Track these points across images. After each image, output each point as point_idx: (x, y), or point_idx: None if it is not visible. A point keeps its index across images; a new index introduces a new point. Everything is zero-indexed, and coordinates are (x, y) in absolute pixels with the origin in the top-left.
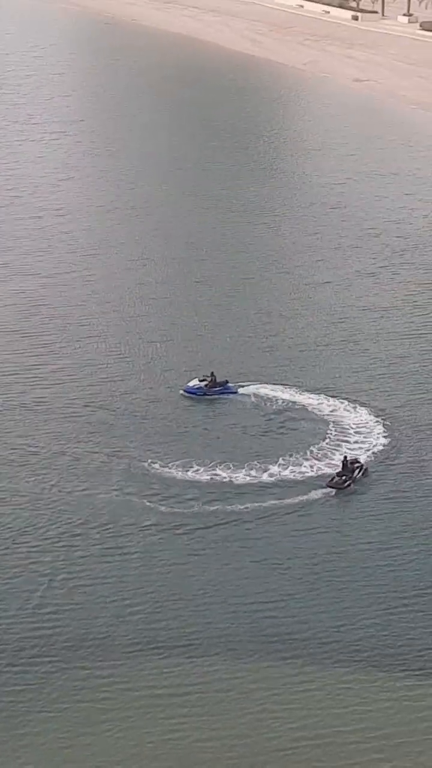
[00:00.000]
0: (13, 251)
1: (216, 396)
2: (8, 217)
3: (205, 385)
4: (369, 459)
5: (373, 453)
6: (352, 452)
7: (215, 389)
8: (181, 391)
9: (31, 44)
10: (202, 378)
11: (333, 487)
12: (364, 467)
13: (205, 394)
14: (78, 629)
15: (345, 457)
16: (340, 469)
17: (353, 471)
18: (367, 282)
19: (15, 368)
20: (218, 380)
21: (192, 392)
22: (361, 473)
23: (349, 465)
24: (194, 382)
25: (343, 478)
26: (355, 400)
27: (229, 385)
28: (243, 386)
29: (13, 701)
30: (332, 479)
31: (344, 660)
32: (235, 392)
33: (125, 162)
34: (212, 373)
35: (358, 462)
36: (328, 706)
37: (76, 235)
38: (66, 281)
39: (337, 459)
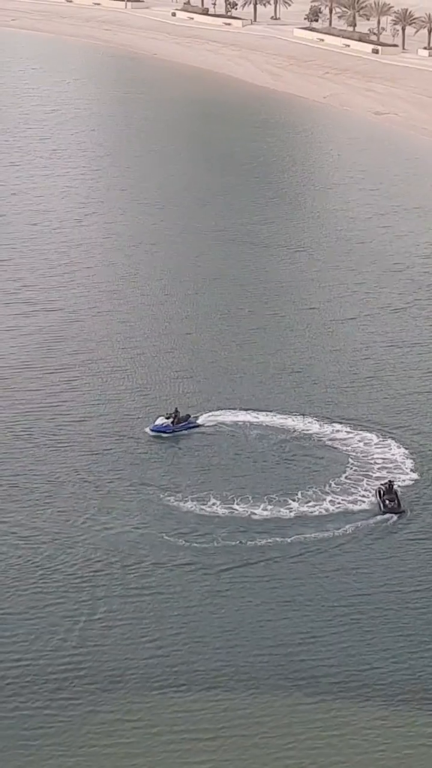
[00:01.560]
0: (37, 286)
1: (183, 432)
2: (33, 252)
3: (172, 422)
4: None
5: (400, 487)
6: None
7: (181, 425)
8: (147, 430)
9: (56, 79)
10: (167, 415)
11: (392, 512)
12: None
13: (173, 432)
14: (94, 665)
15: (390, 481)
16: (385, 494)
17: (397, 494)
18: (392, 317)
19: (34, 403)
20: (180, 415)
21: (160, 430)
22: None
23: (393, 489)
24: (160, 420)
25: (395, 502)
26: (383, 434)
27: (192, 419)
28: (258, 414)
29: (30, 735)
30: (385, 504)
31: (364, 697)
32: (198, 426)
33: (148, 196)
34: (176, 409)
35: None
36: (346, 743)
37: (100, 270)
38: (88, 317)
39: (364, 489)
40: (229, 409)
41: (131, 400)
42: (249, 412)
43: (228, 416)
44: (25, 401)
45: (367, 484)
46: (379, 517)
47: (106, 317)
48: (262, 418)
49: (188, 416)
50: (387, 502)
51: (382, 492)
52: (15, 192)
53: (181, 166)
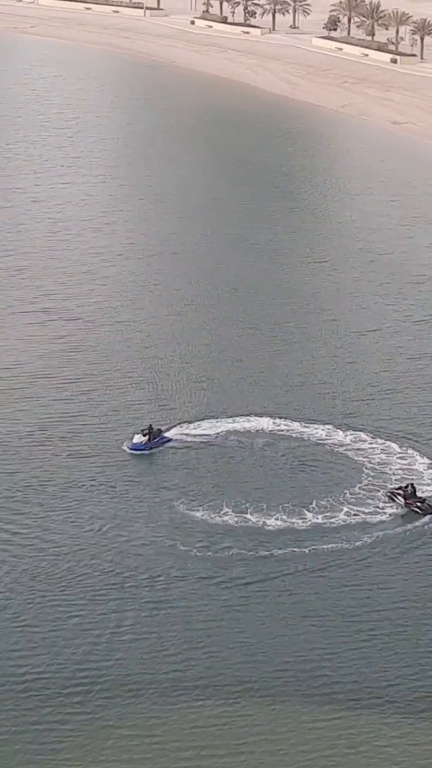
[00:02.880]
0: (56, 294)
1: (159, 448)
2: (53, 261)
3: (149, 439)
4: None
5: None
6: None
7: (156, 441)
8: (125, 448)
9: (77, 86)
10: (145, 432)
11: (424, 512)
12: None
13: (151, 448)
14: (106, 678)
15: (411, 484)
16: (411, 495)
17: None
18: (413, 329)
19: (49, 412)
20: (154, 430)
21: (139, 448)
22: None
23: (416, 492)
24: (138, 438)
25: (424, 502)
26: (404, 444)
27: (164, 435)
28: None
29: (36, 741)
30: (415, 505)
31: (381, 710)
32: (170, 440)
33: (167, 205)
34: (150, 425)
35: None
36: (337, 747)
37: (118, 278)
38: (105, 325)
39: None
40: (243, 415)
41: (142, 410)
42: (270, 420)
43: (244, 424)
44: (37, 409)
45: (384, 493)
46: (399, 528)
47: (122, 326)
48: (283, 426)
49: (160, 431)
50: (418, 502)
51: (405, 495)
52: (35, 200)
53: (201, 175)
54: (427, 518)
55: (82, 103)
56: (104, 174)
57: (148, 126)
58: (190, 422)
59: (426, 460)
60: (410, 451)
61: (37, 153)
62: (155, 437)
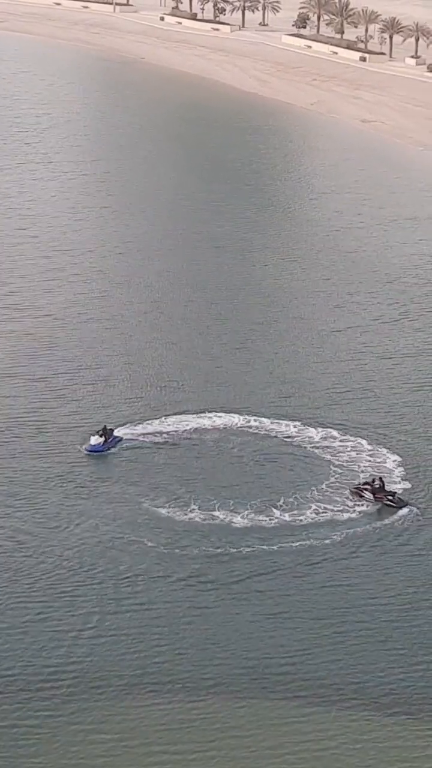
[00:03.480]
0: (24, 290)
1: (114, 449)
2: (22, 257)
3: (105, 440)
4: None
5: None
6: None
7: (111, 441)
8: (83, 449)
9: (46, 82)
10: (101, 433)
11: (396, 504)
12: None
13: (108, 449)
14: (84, 674)
15: (380, 478)
16: (379, 489)
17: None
18: (383, 328)
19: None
20: (107, 431)
21: (98, 450)
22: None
23: (385, 485)
24: (95, 439)
25: (393, 495)
26: (374, 442)
27: (116, 435)
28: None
29: (19, 736)
30: (386, 499)
31: (348, 702)
32: (121, 439)
33: (135, 202)
34: (104, 426)
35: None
36: (327, 745)
37: (88, 275)
38: (73, 323)
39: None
40: (210, 411)
41: (110, 408)
42: (237, 416)
43: (211, 421)
44: (10, 405)
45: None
46: (368, 525)
47: (89, 324)
48: (251, 423)
49: (112, 430)
50: (388, 498)
51: (372, 490)
52: (3, 195)
53: (169, 172)
54: (398, 511)
55: (52, 100)
56: (74, 171)
57: (118, 123)
58: (154, 419)
59: (396, 458)
60: (380, 449)
61: (7, 149)
62: (109, 437)
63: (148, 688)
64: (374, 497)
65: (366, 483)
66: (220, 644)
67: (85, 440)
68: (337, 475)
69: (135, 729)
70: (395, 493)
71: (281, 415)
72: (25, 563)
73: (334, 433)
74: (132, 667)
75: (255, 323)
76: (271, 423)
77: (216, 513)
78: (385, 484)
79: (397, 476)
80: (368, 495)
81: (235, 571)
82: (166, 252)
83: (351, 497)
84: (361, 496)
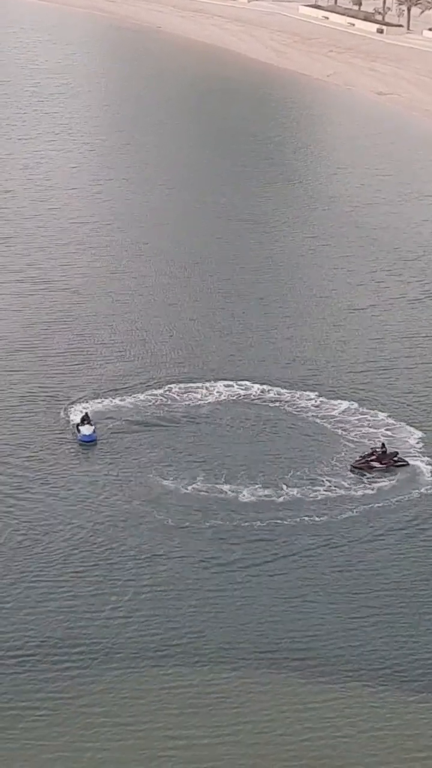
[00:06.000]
0: (42, 263)
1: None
2: (40, 229)
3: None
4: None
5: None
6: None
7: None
8: (79, 438)
9: (65, 52)
10: (87, 421)
11: (402, 463)
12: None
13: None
14: (82, 638)
15: (383, 443)
16: (384, 455)
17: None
18: (406, 307)
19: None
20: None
21: (92, 439)
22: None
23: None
24: (86, 429)
25: (396, 454)
26: (393, 419)
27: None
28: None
29: (22, 705)
30: (392, 463)
31: (353, 676)
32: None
33: (153, 173)
34: (87, 413)
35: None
36: (333, 721)
37: (106, 248)
38: (91, 296)
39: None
40: (212, 384)
41: (125, 379)
42: (252, 388)
43: (215, 393)
44: (21, 380)
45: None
46: (382, 499)
47: (107, 296)
48: (268, 396)
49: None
50: (394, 459)
51: (379, 457)
52: (22, 166)
53: (188, 143)
54: (411, 477)
55: (71, 69)
56: (91, 142)
57: (135, 93)
58: (168, 390)
59: (419, 434)
60: (401, 424)
61: (26, 118)
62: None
63: (152, 661)
64: (381, 463)
65: (371, 453)
66: (227, 618)
67: (77, 431)
68: (358, 450)
69: (139, 701)
70: (397, 452)
71: (301, 387)
72: (31, 538)
73: (353, 407)
74: (136, 640)
75: (274, 300)
76: (291, 396)
77: (225, 486)
78: (386, 446)
79: (419, 452)
80: (377, 464)
81: (247, 548)
82: (183, 225)
83: (357, 471)
84: (371, 467)
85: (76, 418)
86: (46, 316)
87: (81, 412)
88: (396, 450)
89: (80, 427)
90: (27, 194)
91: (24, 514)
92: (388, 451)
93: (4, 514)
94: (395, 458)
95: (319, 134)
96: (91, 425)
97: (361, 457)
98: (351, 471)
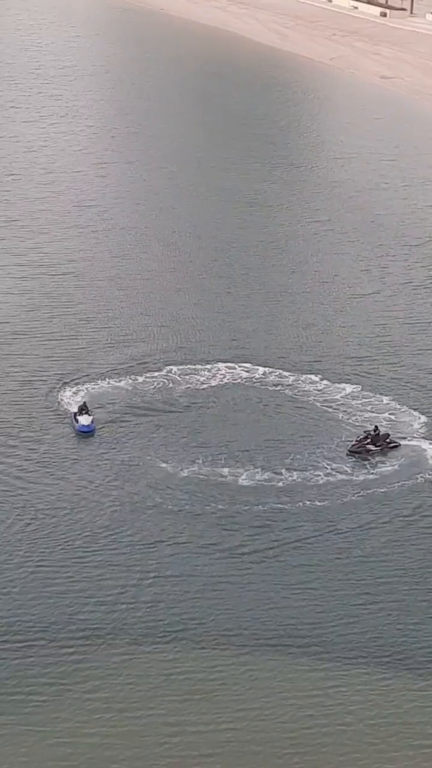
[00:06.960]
0: (47, 246)
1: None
2: (45, 212)
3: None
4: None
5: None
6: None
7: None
8: (77, 429)
9: (69, 33)
10: (86, 411)
11: (395, 444)
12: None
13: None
14: (85, 620)
15: (376, 426)
16: (377, 437)
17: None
18: (411, 292)
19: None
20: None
21: (91, 429)
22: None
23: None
24: (84, 419)
25: (388, 436)
26: (397, 403)
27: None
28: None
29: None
30: (386, 445)
31: (355, 662)
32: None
33: (157, 158)
34: (85, 402)
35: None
36: (335, 707)
37: (111, 231)
38: (95, 279)
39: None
40: (214, 366)
41: (138, 358)
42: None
43: (219, 376)
44: (22, 364)
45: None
46: (383, 484)
47: (110, 280)
48: (270, 379)
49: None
50: (386, 441)
51: (374, 440)
52: (27, 149)
53: (192, 125)
54: (406, 460)
55: (75, 51)
56: (95, 125)
57: (139, 75)
58: (170, 372)
59: (424, 418)
60: (405, 408)
61: (31, 100)
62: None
63: (153, 647)
64: (375, 446)
65: (365, 437)
66: (228, 603)
67: (75, 421)
68: (352, 435)
69: (140, 686)
70: (388, 434)
71: (304, 370)
72: (32, 523)
73: (357, 391)
74: (137, 625)
75: (278, 283)
76: (294, 380)
77: (225, 471)
78: (378, 428)
79: (422, 436)
80: (372, 447)
81: (247, 533)
82: (187, 209)
83: (353, 456)
84: (368, 450)
85: (74, 407)
86: (47, 299)
87: (80, 401)
88: (387, 432)
89: (78, 417)
90: (30, 177)
91: (24, 498)
92: (381, 433)
93: (5, 500)
94: (387, 440)
95: (321, 118)
96: (90, 415)
97: (357, 440)
98: (348, 455)
